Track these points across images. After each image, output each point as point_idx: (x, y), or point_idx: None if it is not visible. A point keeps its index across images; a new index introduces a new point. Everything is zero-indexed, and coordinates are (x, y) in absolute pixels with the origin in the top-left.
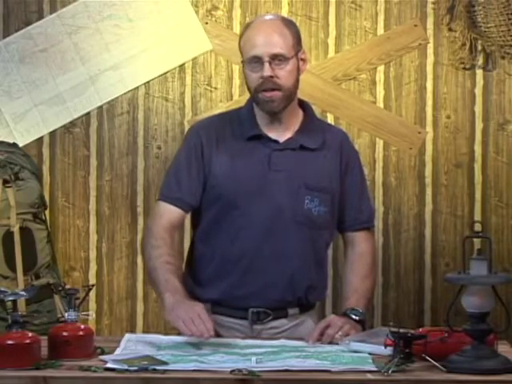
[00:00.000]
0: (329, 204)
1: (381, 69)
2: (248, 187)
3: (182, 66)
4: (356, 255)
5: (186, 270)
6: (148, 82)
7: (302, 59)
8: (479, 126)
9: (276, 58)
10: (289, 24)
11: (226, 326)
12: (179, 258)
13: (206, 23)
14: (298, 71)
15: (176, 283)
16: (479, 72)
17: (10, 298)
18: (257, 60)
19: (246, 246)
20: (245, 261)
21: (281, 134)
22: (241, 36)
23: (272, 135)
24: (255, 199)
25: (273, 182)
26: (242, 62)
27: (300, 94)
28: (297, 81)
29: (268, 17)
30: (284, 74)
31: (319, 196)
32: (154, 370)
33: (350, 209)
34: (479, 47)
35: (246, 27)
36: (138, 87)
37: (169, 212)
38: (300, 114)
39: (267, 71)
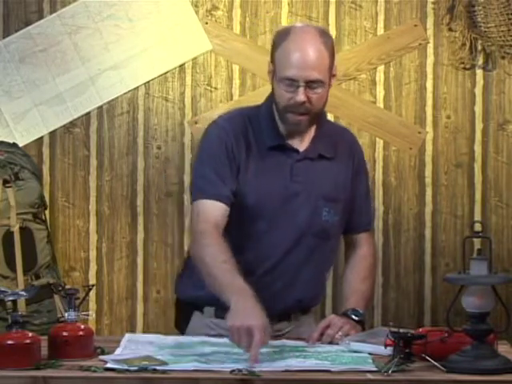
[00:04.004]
0: (340, 212)
1: (381, 69)
2: (270, 199)
3: (182, 66)
4: (358, 257)
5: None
6: (148, 82)
7: (333, 75)
8: (479, 126)
9: (311, 82)
10: (326, 40)
11: None
12: (231, 253)
13: (206, 23)
14: (329, 89)
15: (241, 284)
16: (479, 72)
17: (10, 298)
18: (291, 81)
19: (262, 258)
20: (258, 272)
21: (300, 142)
22: (275, 44)
23: (293, 143)
24: (276, 211)
25: (294, 194)
26: (273, 70)
27: None
28: (326, 101)
29: (306, 29)
30: (317, 98)
31: (334, 206)
32: (154, 370)
33: (356, 213)
34: (479, 47)
35: (281, 36)
36: (137, 87)
37: (214, 209)
38: None
39: (301, 97)
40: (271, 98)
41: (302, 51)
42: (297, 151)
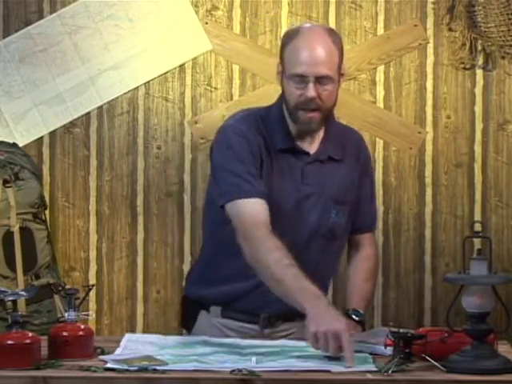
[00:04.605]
0: (347, 214)
1: (381, 69)
2: (282, 202)
3: (182, 66)
4: (360, 257)
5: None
6: (148, 82)
7: (341, 74)
8: (479, 126)
9: (321, 78)
10: (335, 38)
11: (236, 329)
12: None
13: (206, 23)
14: (338, 88)
15: (312, 288)
16: (479, 72)
17: (10, 298)
18: (301, 78)
19: None
20: None
21: (310, 144)
22: (284, 44)
23: (303, 145)
24: (288, 214)
25: (305, 197)
26: (282, 70)
27: None
28: (337, 98)
29: (314, 28)
30: (327, 95)
31: (342, 209)
32: (154, 370)
33: (361, 213)
34: (479, 47)
35: (289, 36)
36: (138, 87)
37: (258, 208)
38: None
39: (312, 92)
40: (282, 99)
41: (311, 48)
42: (307, 154)
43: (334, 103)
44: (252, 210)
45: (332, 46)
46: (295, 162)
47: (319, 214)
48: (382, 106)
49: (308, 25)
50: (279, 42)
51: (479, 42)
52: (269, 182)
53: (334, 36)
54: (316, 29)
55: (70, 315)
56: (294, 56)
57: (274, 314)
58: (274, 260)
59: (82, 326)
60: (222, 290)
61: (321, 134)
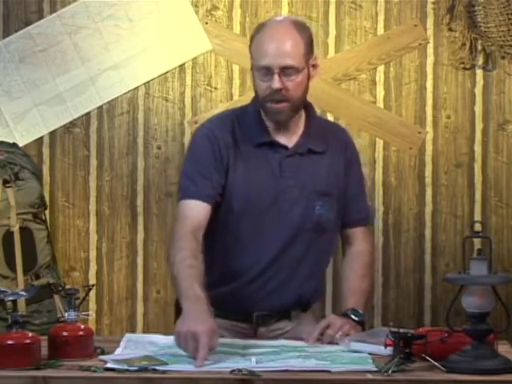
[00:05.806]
0: (335, 207)
1: (381, 69)
2: (261, 197)
3: (182, 66)
4: (354, 253)
5: None
6: (148, 82)
7: (313, 65)
8: (479, 126)
9: (286, 69)
10: (301, 29)
11: (230, 329)
12: (201, 259)
13: (206, 23)
14: (308, 79)
15: (197, 291)
16: (479, 72)
17: (10, 298)
18: (266, 70)
19: (257, 256)
20: (254, 270)
21: (288, 138)
22: (251, 38)
23: (281, 140)
24: (268, 209)
25: (285, 191)
26: (252, 64)
27: None
28: (306, 89)
29: (280, 20)
30: (293, 86)
31: (328, 201)
32: (154, 370)
33: (349, 207)
34: (479, 47)
35: (257, 30)
36: (138, 87)
37: (195, 210)
38: (303, 114)
39: (276, 84)
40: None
41: (274, 40)
42: (285, 147)
43: (303, 94)
44: (186, 211)
45: (297, 36)
46: (273, 156)
47: (303, 207)
48: (382, 106)
49: (275, 18)
50: None
51: (479, 41)
52: (246, 178)
53: (300, 27)
54: (281, 21)
55: (70, 315)
56: (259, 49)
57: (267, 313)
58: (179, 259)
59: (82, 326)
60: (214, 292)
61: (301, 128)
